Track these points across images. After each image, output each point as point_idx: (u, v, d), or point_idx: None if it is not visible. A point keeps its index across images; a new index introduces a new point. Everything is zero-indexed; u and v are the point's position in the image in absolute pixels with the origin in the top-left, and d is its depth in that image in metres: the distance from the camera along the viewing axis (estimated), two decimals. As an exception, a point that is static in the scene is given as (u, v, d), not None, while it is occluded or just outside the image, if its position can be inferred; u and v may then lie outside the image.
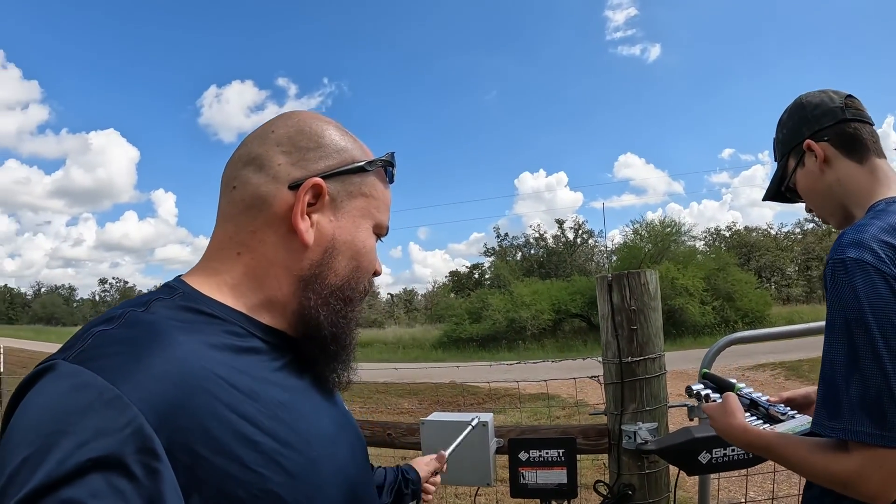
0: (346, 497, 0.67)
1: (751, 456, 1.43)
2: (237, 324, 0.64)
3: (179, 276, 0.71)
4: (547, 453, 1.64)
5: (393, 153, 0.77)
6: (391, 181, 0.78)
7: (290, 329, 0.70)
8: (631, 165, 68.34)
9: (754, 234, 33.25)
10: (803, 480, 1.02)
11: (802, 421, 1.03)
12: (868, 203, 1.01)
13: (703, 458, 1.43)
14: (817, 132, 1.07)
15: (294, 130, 0.71)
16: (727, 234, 33.56)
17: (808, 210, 1.15)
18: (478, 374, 10.39)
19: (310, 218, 0.68)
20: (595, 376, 1.98)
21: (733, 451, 1.44)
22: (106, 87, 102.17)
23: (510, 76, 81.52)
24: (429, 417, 1.74)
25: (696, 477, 1.73)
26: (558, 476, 1.62)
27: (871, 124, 1.07)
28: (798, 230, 33.12)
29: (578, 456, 1.66)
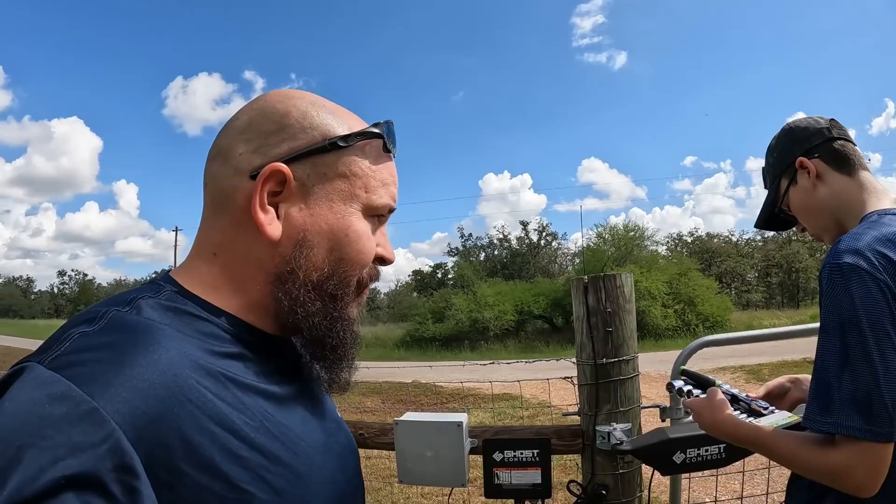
0: None
1: (723, 456, 1.47)
2: (224, 326, 0.60)
3: (168, 271, 0.67)
4: (522, 454, 1.64)
5: (388, 122, 0.68)
6: (388, 151, 0.68)
7: (277, 330, 0.65)
8: (595, 170, 69.77)
9: (716, 240, 34.27)
10: (770, 481, 1.05)
11: (783, 416, 1.06)
12: (860, 214, 1.07)
13: (678, 457, 1.45)
14: (808, 150, 1.14)
15: (257, 114, 0.64)
16: (689, 240, 34.60)
17: (802, 230, 1.21)
18: (441, 373, 10.40)
19: (276, 209, 0.62)
20: (569, 377, 1.99)
21: (706, 451, 1.47)
22: (71, 74, 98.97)
23: (477, 78, 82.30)
24: (403, 417, 1.72)
25: (667, 478, 1.76)
26: (533, 476, 1.63)
27: (854, 144, 1.15)
28: (759, 237, 34.23)
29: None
